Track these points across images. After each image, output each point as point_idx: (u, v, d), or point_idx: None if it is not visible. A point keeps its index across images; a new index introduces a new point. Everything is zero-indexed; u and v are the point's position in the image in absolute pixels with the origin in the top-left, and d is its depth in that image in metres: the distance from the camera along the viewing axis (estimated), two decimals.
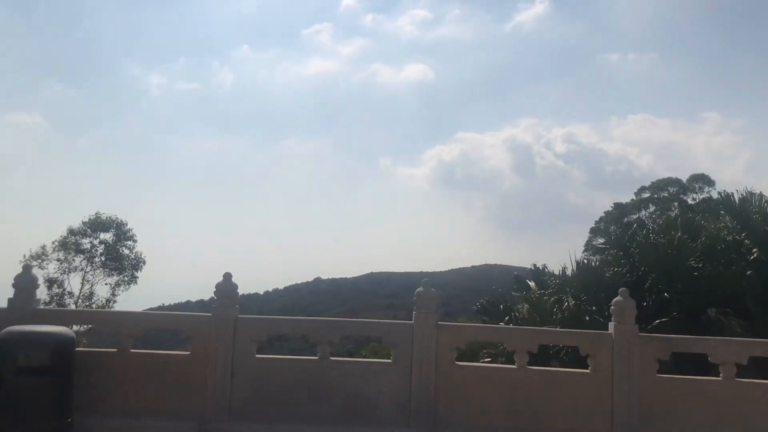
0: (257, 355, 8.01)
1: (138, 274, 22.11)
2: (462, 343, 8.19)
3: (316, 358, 8.04)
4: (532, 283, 15.94)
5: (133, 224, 21.98)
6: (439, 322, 8.11)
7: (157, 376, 7.81)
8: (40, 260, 21.27)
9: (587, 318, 13.37)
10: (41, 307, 7.97)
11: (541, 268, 16.38)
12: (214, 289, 8.04)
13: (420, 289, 8.24)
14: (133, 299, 22.53)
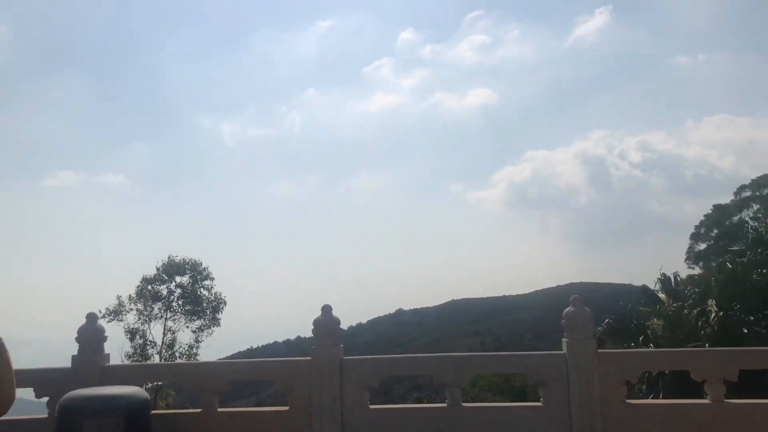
0: (371, 406, 6.42)
1: (219, 315, 21.12)
2: (633, 375, 6.33)
3: (444, 405, 6.39)
4: (662, 295, 13.77)
5: (210, 266, 21.22)
6: (600, 350, 6.32)
7: None
8: (118, 314, 20.57)
9: (745, 330, 11.16)
10: (110, 363, 6.65)
11: (670, 276, 14.18)
12: (312, 327, 6.54)
13: (570, 308, 6.48)
14: (217, 345, 21.56)
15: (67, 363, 6.49)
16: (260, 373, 6.62)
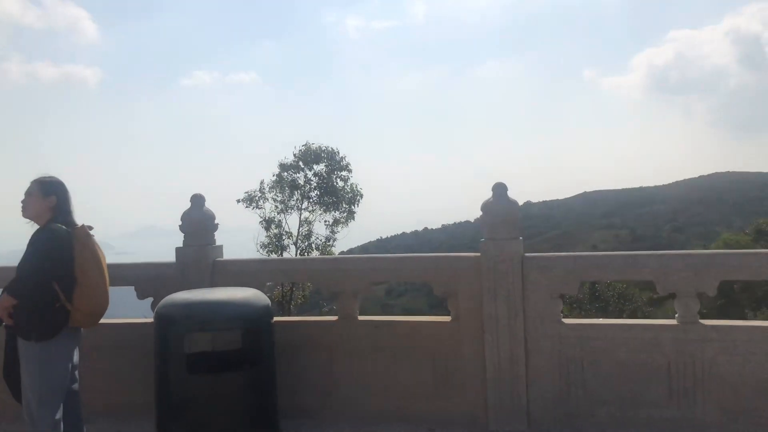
0: (564, 320, 4.64)
1: (355, 209, 19.95)
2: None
3: (674, 321, 4.47)
4: None
5: (346, 156, 19.90)
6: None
7: (401, 358, 4.82)
8: (255, 202, 19.96)
9: None
10: (223, 258, 5.26)
11: None
12: (481, 212, 4.76)
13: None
14: (351, 236, 20.60)
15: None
16: (412, 273, 4.96)
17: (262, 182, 20.08)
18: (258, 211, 20.04)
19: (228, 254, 5.37)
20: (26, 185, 3.64)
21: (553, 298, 4.62)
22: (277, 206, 19.89)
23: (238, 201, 19.92)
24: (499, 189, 4.75)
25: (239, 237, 19.32)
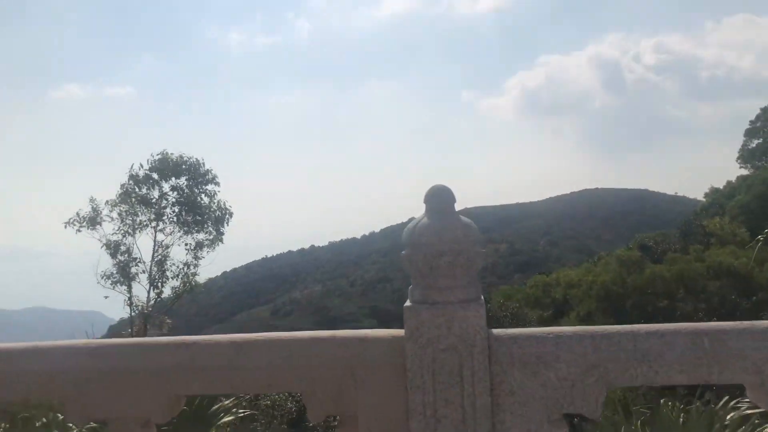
0: None
1: (224, 229, 16.64)
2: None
3: None
4: None
5: (215, 170, 16.53)
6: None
7: None
8: (89, 223, 15.94)
9: None
10: None
11: None
12: (405, 244, 2.25)
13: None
14: (220, 260, 17.34)
15: None
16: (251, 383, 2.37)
17: (92, 199, 16.03)
18: (95, 233, 16.12)
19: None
20: None
21: (552, 422, 2.20)
22: (121, 227, 16.17)
23: (66, 224, 15.91)
24: (441, 200, 2.30)
25: (79, 262, 15.71)
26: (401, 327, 2.29)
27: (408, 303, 2.26)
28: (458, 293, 2.24)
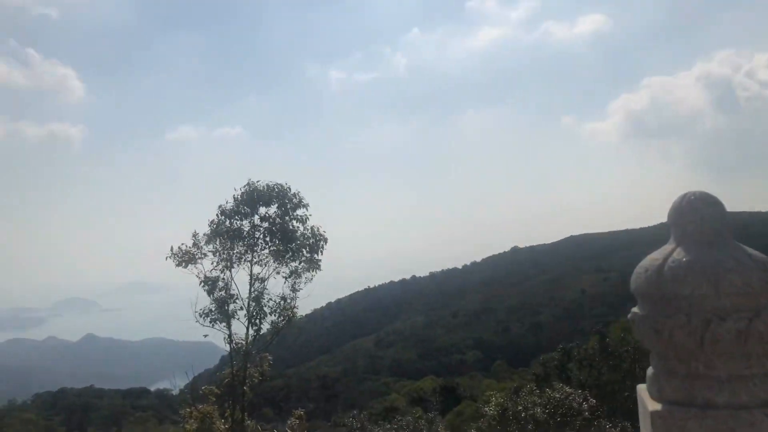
0: None
1: (319, 256, 15.52)
2: None
3: None
4: None
5: (300, 191, 15.54)
6: None
7: None
8: (190, 259, 15.24)
9: None
10: None
11: None
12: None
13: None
14: (317, 294, 16.17)
15: None
16: None
17: (195, 234, 15.45)
18: (195, 269, 15.47)
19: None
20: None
21: None
22: (217, 262, 15.44)
23: (167, 258, 15.35)
24: (710, 219, 1.47)
25: (189, 295, 15.12)
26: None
27: (651, 401, 1.03)
28: (758, 389, 0.87)
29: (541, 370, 31.87)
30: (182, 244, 15.39)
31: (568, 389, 23.73)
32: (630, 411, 28.52)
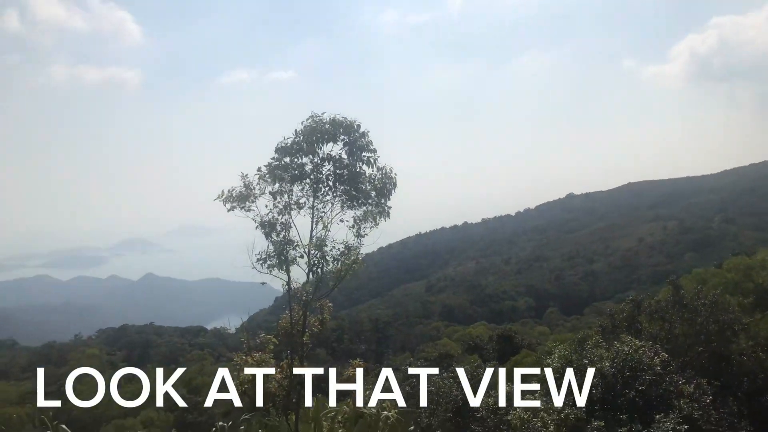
0: None
1: (388, 201, 14.11)
2: None
3: None
4: None
5: (369, 131, 14.13)
6: None
7: None
8: (243, 201, 14.03)
9: None
10: None
11: None
12: None
13: None
14: (376, 234, 14.95)
15: None
16: None
17: (245, 175, 14.09)
18: (249, 213, 14.26)
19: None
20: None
21: None
22: (275, 205, 14.17)
23: (217, 200, 14.19)
24: None
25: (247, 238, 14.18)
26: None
27: None
28: None
29: (608, 321, 30.26)
30: (232, 187, 14.21)
31: (638, 342, 22.39)
32: (703, 367, 26.97)
